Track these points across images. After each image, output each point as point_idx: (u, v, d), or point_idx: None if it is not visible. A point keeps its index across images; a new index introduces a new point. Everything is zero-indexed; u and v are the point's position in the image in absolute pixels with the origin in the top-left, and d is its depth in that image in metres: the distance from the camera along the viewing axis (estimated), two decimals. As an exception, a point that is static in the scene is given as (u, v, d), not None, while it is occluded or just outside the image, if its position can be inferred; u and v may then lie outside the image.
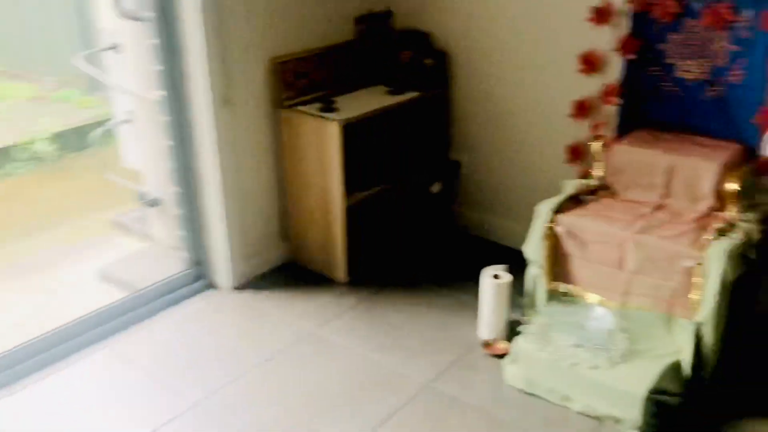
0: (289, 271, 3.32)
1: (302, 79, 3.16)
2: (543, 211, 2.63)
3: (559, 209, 2.62)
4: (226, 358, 2.73)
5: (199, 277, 3.19)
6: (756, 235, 2.45)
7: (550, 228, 2.60)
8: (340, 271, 3.20)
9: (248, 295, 3.13)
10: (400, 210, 3.46)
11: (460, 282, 3.17)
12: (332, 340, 2.83)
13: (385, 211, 3.33)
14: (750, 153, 2.68)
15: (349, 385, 2.57)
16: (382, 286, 3.18)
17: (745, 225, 2.45)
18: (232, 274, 3.15)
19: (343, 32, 3.36)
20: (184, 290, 3.12)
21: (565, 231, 2.58)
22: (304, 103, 3.14)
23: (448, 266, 3.34)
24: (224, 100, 2.90)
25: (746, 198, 2.56)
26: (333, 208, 3.10)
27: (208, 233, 3.13)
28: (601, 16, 2.88)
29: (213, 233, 3.11)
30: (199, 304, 3.08)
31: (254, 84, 3.03)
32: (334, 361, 2.71)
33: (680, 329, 2.41)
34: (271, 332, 2.87)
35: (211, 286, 3.19)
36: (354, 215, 3.15)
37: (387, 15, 3.50)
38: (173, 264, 3.19)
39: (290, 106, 3.11)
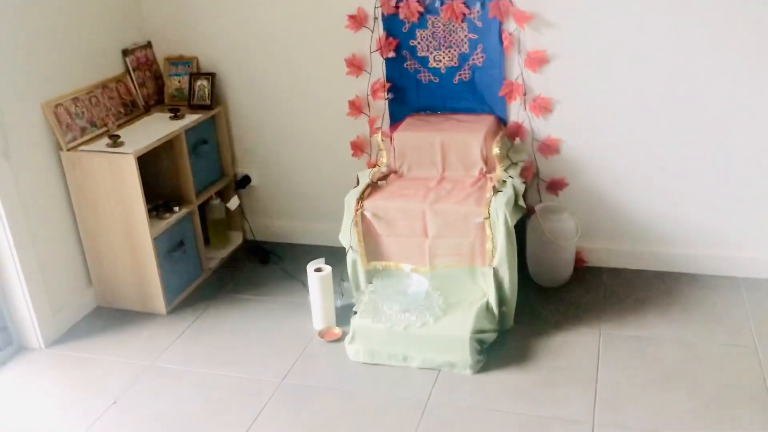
0: (102, 315, 3.22)
1: (81, 119, 3.10)
2: (350, 200, 2.90)
3: (363, 196, 2.91)
4: (70, 412, 2.61)
5: (7, 342, 2.97)
6: (520, 187, 2.95)
7: (359, 214, 2.87)
8: (159, 304, 3.18)
9: (67, 349, 2.99)
10: (204, 230, 3.53)
11: (281, 288, 3.33)
12: (172, 368, 2.83)
13: (190, 235, 3.37)
14: (502, 121, 3.19)
15: (205, 404, 2.61)
16: (204, 308, 3.23)
17: (512, 180, 2.94)
18: (41, 333, 2.99)
19: (114, 66, 3.36)
20: (-7, 360, 2.90)
21: (371, 214, 2.87)
22: (87, 143, 3.08)
23: (264, 276, 3.46)
24: (2, 154, 2.76)
25: (506, 158, 3.06)
26: (140, 242, 3.08)
27: (7, 294, 2.94)
28: (356, 22, 3.22)
29: (12, 293, 2.93)
30: (15, 370, 2.88)
31: (32, 132, 2.91)
32: (181, 387, 2.71)
33: (482, 277, 2.83)
34: (105, 378, 2.79)
35: (23, 348, 3.00)
36: (162, 244, 3.15)
37: (147, 46, 3.55)
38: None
39: (74, 148, 3.03)
